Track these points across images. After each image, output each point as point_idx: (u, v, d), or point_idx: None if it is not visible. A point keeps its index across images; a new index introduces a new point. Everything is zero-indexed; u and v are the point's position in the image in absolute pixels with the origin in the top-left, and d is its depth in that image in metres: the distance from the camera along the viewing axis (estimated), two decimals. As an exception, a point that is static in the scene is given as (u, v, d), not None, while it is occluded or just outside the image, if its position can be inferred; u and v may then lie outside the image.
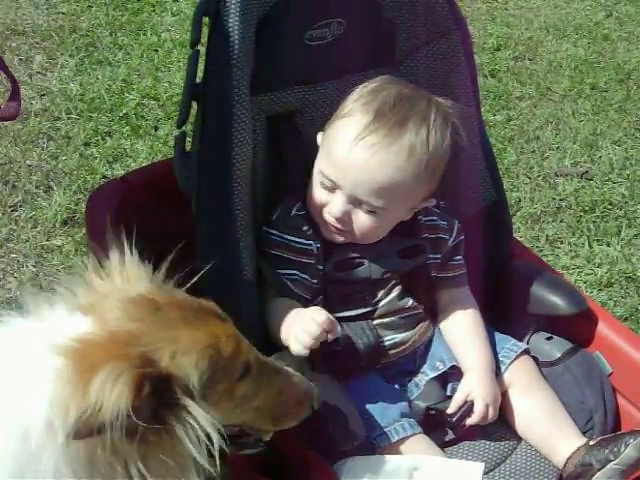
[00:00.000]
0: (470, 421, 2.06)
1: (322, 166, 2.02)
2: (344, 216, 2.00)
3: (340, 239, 2.06)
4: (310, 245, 2.06)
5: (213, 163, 1.98)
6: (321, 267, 2.06)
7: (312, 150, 2.10)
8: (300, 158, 2.15)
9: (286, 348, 1.94)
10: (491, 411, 2.07)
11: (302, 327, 1.90)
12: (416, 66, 2.23)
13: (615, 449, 1.99)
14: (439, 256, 2.17)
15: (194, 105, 2.01)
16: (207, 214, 2.00)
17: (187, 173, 2.01)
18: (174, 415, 1.45)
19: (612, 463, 1.98)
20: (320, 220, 2.06)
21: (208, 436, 1.47)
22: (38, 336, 1.47)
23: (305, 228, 2.07)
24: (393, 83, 2.07)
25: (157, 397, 1.42)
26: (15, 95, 1.95)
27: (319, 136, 2.10)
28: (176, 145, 2.03)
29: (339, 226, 2.02)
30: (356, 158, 1.96)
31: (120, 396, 1.37)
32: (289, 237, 2.07)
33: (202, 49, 2.00)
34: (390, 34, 2.19)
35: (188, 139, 2.06)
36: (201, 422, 1.46)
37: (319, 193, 2.03)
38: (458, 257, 2.21)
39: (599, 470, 1.99)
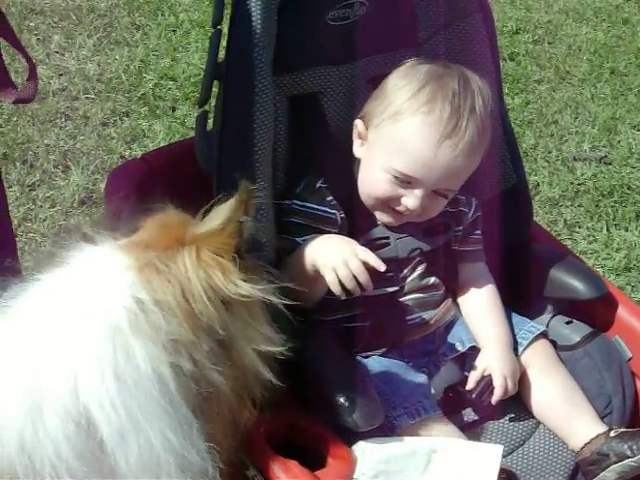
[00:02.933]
0: (492, 398, 2.06)
1: (396, 164, 1.97)
2: (421, 206, 2.00)
3: (399, 222, 2.06)
4: (334, 215, 2.05)
5: (234, 143, 1.97)
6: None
7: (336, 131, 2.10)
8: (322, 139, 2.14)
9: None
10: (510, 384, 2.07)
11: (342, 256, 1.85)
12: (438, 47, 2.21)
13: (634, 446, 1.98)
14: (461, 228, 2.18)
15: (216, 85, 2.01)
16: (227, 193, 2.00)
17: (208, 153, 2.00)
18: None
19: (629, 460, 1.98)
20: (379, 208, 2.05)
21: None
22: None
23: (329, 198, 2.06)
24: (437, 65, 2.07)
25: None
26: (32, 76, 1.94)
27: (358, 123, 2.07)
28: (197, 124, 2.02)
29: (412, 214, 2.02)
30: (444, 158, 1.96)
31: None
32: (313, 205, 2.05)
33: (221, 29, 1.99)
34: (412, 15, 2.17)
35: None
36: None
37: (388, 188, 2.00)
38: (477, 232, 2.22)
39: (615, 463, 1.99)
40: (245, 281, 1.54)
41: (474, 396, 2.07)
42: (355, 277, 1.84)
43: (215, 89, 2.01)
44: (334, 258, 1.86)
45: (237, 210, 1.55)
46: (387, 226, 2.08)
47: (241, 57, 1.94)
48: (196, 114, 2.04)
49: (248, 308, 1.57)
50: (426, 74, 2.02)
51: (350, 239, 1.94)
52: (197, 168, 2.06)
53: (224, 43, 1.99)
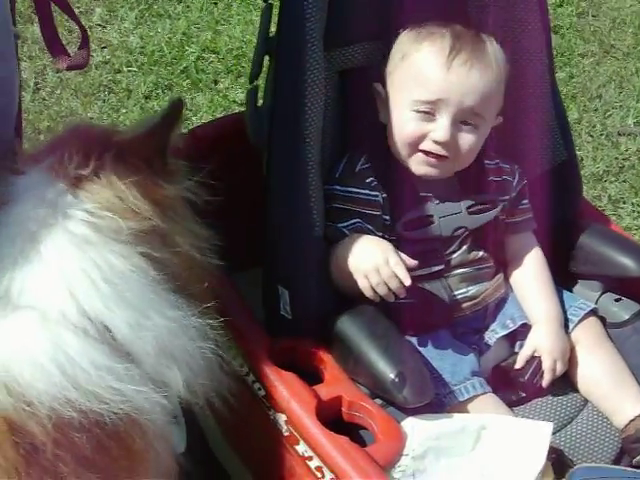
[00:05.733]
0: (542, 380, 2.07)
1: (415, 96, 2.02)
2: (451, 139, 2.01)
3: (436, 172, 2.06)
4: (376, 196, 2.05)
5: (285, 118, 1.98)
6: (387, 218, 2.05)
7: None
8: (367, 113, 2.13)
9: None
10: (559, 365, 2.08)
11: (374, 263, 1.91)
12: (488, 20, 2.19)
13: None
14: (507, 198, 2.18)
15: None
16: (278, 168, 2.00)
17: (259, 127, 2.01)
18: None
19: None
20: (412, 156, 2.05)
21: None
22: None
23: (370, 180, 2.06)
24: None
25: None
26: (84, 44, 1.97)
27: (377, 86, 2.10)
28: (248, 100, 2.03)
29: (443, 152, 2.02)
30: (457, 74, 2.01)
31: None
32: (353, 189, 2.06)
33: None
34: (463, -12, 2.16)
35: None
36: None
37: (415, 126, 2.03)
38: (525, 201, 2.23)
39: None
40: (168, 183, 1.65)
41: (526, 378, 2.07)
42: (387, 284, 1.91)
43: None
44: (366, 264, 1.93)
45: (163, 120, 1.65)
46: (432, 206, 2.08)
47: (293, 32, 1.94)
48: (247, 89, 2.04)
49: (173, 206, 1.67)
50: (424, 24, 2.08)
51: (386, 244, 1.97)
52: (247, 142, 2.06)
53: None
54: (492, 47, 2.08)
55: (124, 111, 3.66)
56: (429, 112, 2.01)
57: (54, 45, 1.94)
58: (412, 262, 1.94)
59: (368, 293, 1.93)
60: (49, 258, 1.55)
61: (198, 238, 1.71)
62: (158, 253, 1.61)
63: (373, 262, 1.92)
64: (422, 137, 2.03)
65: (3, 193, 1.62)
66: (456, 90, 2.00)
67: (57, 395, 1.47)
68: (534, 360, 2.07)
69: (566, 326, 2.15)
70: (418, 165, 2.06)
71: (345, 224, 2.04)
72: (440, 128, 2.00)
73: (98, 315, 1.54)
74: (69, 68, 1.98)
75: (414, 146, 2.04)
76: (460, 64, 2.01)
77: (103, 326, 1.55)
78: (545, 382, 2.07)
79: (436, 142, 2.01)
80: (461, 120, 2.02)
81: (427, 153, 2.04)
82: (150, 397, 1.57)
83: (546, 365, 2.06)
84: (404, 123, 2.04)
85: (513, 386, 2.10)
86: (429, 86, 2.01)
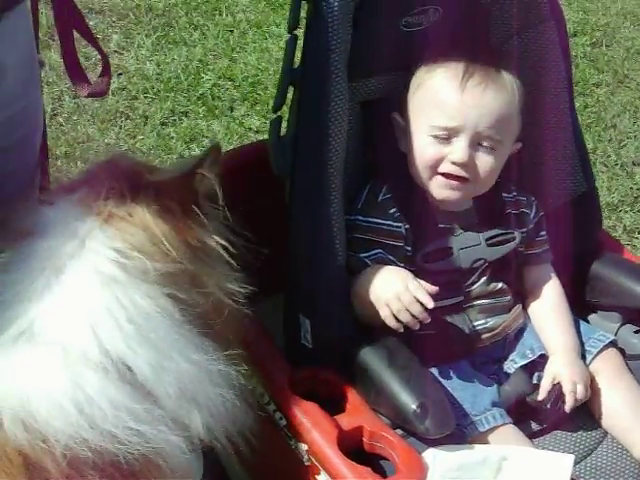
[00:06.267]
0: (565, 406, 2.05)
1: (432, 121, 2.04)
2: (469, 160, 2.02)
3: (457, 195, 2.07)
4: (399, 227, 2.06)
5: (309, 148, 1.98)
6: (409, 249, 2.06)
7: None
8: (388, 145, 2.14)
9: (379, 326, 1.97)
10: (580, 389, 2.06)
11: (395, 291, 1.92)
12: (509, 54, 2.21)
13: None
14: (525, 230, 2.19)
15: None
16: (301, 198, 2.01)
17: (282, 157, 2.02)
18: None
19: None
20: (433, 180, 2.07)
21: None
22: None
23: (392, 211, 2.07)
24: None
25: None
26: (106, 71, 1.98)
27: (396, 116, 2.12)
28: (272, 129, 2.03)
29: (463, 173, 2.03)
30: (471, 96, 2.03)
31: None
32: (376, 220, 2.07)
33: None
34: (485, 22, 2.17)
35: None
36: None
37: (433, 149, 2.04)
38: (542, 232, 2.24)
39: None
40: (201, 226, 1.65)
41: (549, 406, 2.06)
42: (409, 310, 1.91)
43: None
44: (387, 293, 1.94)
45: (199, 163, 1.65)
46: (451, 238, 2.09)
47: (317, 63, 1.95)
48: (270, 119, 2.05)
49: (205, 249, 1.66)
50: (441, 55, 2.10)
51: (405, 272, 1.97)
52: (269, 171, 2.07)
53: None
54: (507, 73, 2.10)
55: (140, 137, 3.68)
56: (447, 135, 2.03)
57: (75, 72, 1.95)
58: (432, 288, 1.94)
59: (391, 322, 1.93)
60: (74, 295, 1.54)
61: (229, 282, 1.69)
62: (185, 295, 1.60)
63: (393, 290, 1.93)
64: (440, 160, 2.04)
65: (29, 224, 1.62)
66: (472, 111, 2.02)
67: (73, 434, 1.46)
68: (555, 388, 2.06)
69: (585, 357, 2.14)
70: (439, 189, 2.07)
71: (367, 254, 2.04)
72: (458, 150, 2.02)
73: (120, 355, 1.53)
74: (89, 95, 1.98)
75: (434, 169, 2.05)
76: (474, 85, 2.03)
77: (125, 366, 1.53)
78: (568, 407, 2.05)
79: (454, 163, 2.03)
80: (478, 141, 2.03)
81: (447, 176, 2.05)
82: (169, 438, 1.55)
83: (567, 389, 2.05)
84: (423, 148, 2.05)
85: (535, 415, 2.10)
86: (445, 109, 2.03)
